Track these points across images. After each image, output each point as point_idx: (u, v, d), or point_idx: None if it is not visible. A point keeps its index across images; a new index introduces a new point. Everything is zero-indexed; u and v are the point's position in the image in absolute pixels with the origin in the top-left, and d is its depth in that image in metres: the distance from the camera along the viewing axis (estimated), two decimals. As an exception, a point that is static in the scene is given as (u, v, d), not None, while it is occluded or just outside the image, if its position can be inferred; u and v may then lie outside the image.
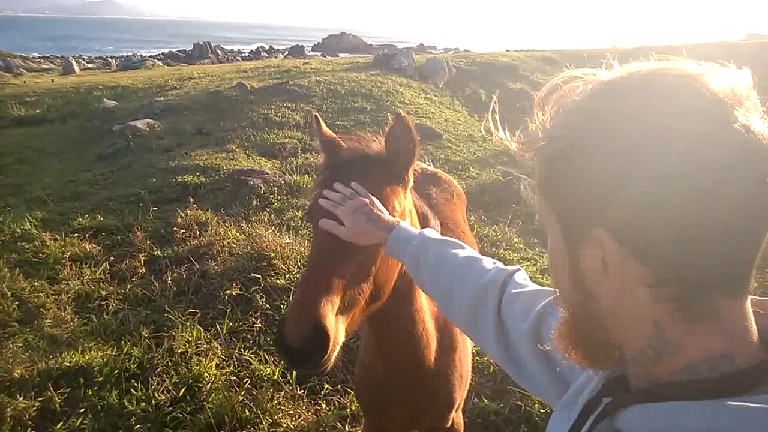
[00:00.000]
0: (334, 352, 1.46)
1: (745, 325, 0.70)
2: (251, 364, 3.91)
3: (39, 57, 41.05)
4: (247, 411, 3.41)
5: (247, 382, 3.71)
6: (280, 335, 1.42)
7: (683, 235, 0.64)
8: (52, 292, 4.68)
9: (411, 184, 1.82)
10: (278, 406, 3.49)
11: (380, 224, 1.51)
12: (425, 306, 1.95)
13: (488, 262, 1.38)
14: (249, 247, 5.36)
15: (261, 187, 7.09)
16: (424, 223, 2.00)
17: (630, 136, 0.65)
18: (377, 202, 1.58)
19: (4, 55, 30.42)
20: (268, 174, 7.55)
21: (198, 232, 5.85)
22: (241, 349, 4.04)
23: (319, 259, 1.55)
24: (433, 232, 1.52)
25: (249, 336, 4.23)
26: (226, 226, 5.97)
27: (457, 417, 2.38)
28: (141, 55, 40.43)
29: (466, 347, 2.23)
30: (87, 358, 3.73)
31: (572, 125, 0.71)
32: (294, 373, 3.78)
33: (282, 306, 4.54)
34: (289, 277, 4.89)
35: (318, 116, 1.88)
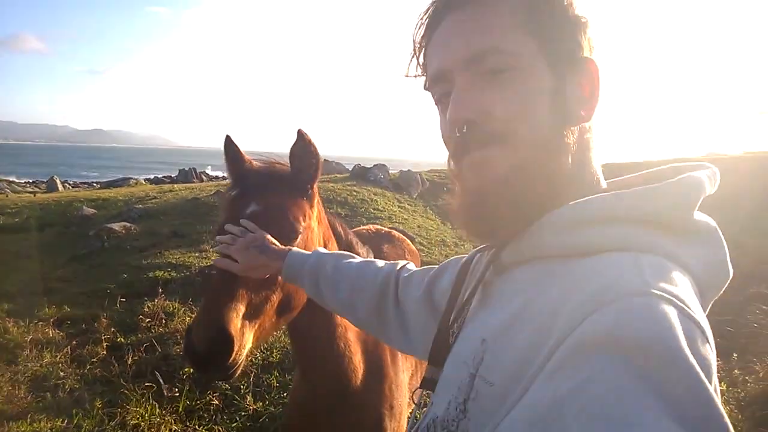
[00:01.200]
0: (240, 356, 1.49)
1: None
2: (206, 440, 3.83)
3: (24, 182, 41.80)
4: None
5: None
6: (187, 342, 1.45)
7: None
8: (9, 373, 4.60)
9: (317, 197, 1.87)
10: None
11: (273, 255, 1.50)
12: (346, 322, 1.93)
13: (380, 263, 1.43)
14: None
15: (231, 281, 7.16)
16: (343, 245, 2.06)
17: None
18: (269, 236, 1.57)
19: (-12, 179, 31.05)
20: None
21: (164, 321, 5.85)
22: (196, 425, 3.96)
23: (224, 269, 1.56)
24: (324, 250, 1.56)
25: (205, 414, 4.16)
26: (193, 315, 5.97)
27: None
28: (126, 177, 41.24)
29: (398, 381, 2.19)
30: (35, 427, 3.64)
31: None
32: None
33: (242, 386, 4.50)
34: (252, 360, 4.87)
35: (229, 136, 1.87)
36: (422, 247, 10.70)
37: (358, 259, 1.46)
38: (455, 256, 1.27)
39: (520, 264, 0.82)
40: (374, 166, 17.57)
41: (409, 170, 17.96)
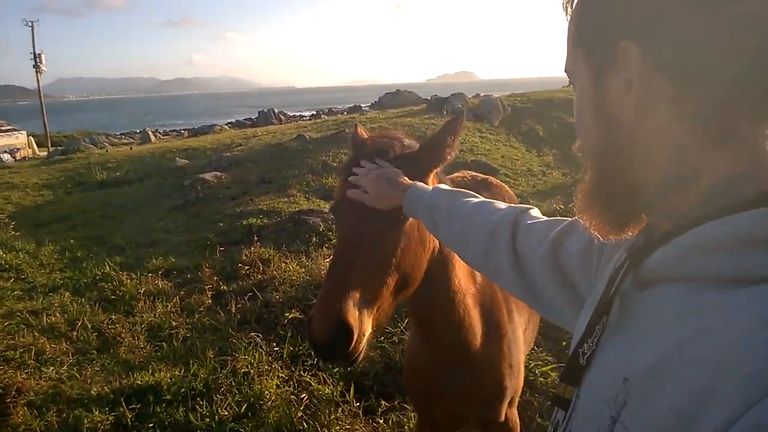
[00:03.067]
0: (361, 343, 1.51)
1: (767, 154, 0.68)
2: (310, 384, 3.99)
3: (120, 134, 44.42)
4: (305, 424, 3.48)
5: (306, 399, 3.79)
6: (309, 332, 1.50)
7: (708, 51, 0.65)
8: (128, 324, 5.01)
9: (432, 180, 1.82)
10: (336, 422, 3.54)
11: (400, 187, 1.54)
12: (464, 288, 1.94)
13: (502, 204, 1.39)
14: (308, 277, 5.54)
15: (320, 225, 7.33)
16: None
17: None
18: (400, 172, 1.62)
19: (90, 134, 33.44)
20: (326, 213, 7.80)
21: (261, 268, 6.09)
22: (301, 371, 4.14)
23: (341, 255, 1.60)
24: (446, 186, 1.56)
25: (308, 359, 4.33)
26: (288, 262, 6.19)
27: (511, 413, 2.29)
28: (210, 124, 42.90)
29: (516, 338, 2.19)
30: (156, 378, 3.94)
31: None
32: (351, 392, 3.83)
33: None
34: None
35: (358, 124, 2.01)
36: (507, 178, 10.45)
37: (477, 198, 1.44)
38: (563, 218, 1.19)
39: (666, 282, 0.71)
40: (451, 95, 17.11)
41: (488, 96, 17.36)
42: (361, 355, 1.54)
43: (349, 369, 3.95)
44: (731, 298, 0.61)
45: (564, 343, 4.39)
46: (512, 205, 1.39)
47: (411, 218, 1.62)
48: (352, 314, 1.46)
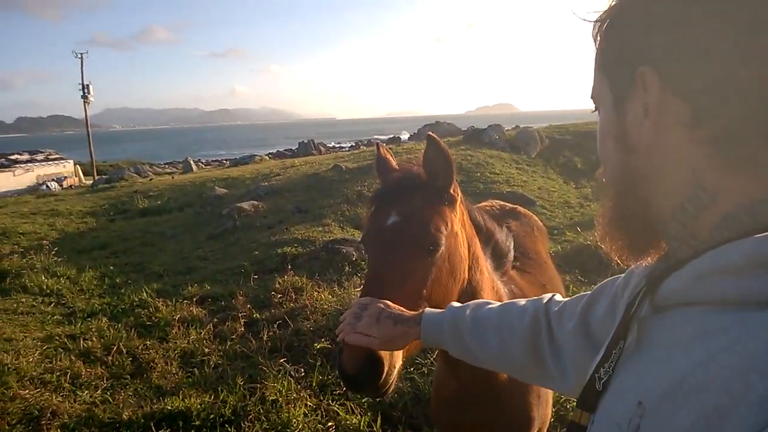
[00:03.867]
0: (391, 376, 1.49)
1: None
2: (338, 414, 3.96)
3: (164, 164, 45.83)
4: (332, 453, 3.45)
5: (333, 428, 3.77)
6: (339, 364, 1.46)
7: (724, 73, 0.66)
8: (162, 350, 5.08)
9: (459, 198, 1.80)
10: (363, 452, 3.50)
11: (409, 322, 1.43)
12: None
13: (521, 301, 1.37)
14: (340, 306, 5.55)
15: (353, 255, 7.36)
16: (486, 238, 2.03)
17: None
18: (388, 302, 1.49)
19: (135, 163, 34.62)
20: (359, 243, 7.83)
21: (294, 296, 6.13)
22: (329, 400, 4.12)
23: (371, 287, 1.57)
24: (456, 304, 1.46)
25: (336, 389, 4.31)
26: (320, 290, 6.22)
27: None
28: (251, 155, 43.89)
29: None
30: (186, 403, 3.97)
31: None
32: (379, 422, 3.79)
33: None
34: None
35: (380, 143, 1.98)
36: (544, 210, 10.34)
37: (495, 305, 1.40)
38: (610, 278, 1.16)
39: (682, 306, 0.71)
40: (489, 126, 17.12)
41: (526, 128, 17.31)
42: (391, 387, 1.51)
43: (378, 399, 3.89)
44: (746, 320, 0.60)
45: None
46: (531, 299, 1.38)
47: (441, 249, 1.62)
48: None
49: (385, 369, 1.44)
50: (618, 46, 0.78)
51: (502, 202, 3.37)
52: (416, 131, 35.67)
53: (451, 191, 1.75)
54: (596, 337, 1.12)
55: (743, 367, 0.56)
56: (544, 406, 2.14)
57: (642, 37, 0.73)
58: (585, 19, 0.83)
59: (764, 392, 0.52)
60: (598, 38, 0.82)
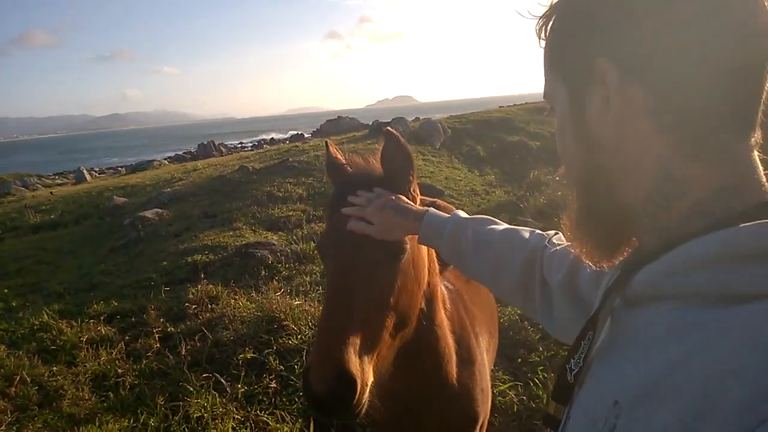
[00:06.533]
0: (364, 395, 1.41)
1: (753, 165, 0.67)
2: (268, 424, 3.89)
3: (54, 175, 42.65)
4: (266, 466, 3.38)
5: (264, 440, 3.69)
6: (306, 385, 1.37)
7: (683, 57, 0.65)
8: (70, 375, 4.74)
9: (418, 197, 1.76)
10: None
11: (410, 215, 1.47)
12: (445, 320, 1.91)
13: (526, 232, 1.37)
14: (260, 313, 5.43)
15: (269, 258, 7.22)
16: None
17: None
18: (403, 197, 1.55)
19: (21, 176, 31.97)
20: (275, 245, 7.69)
21: (210, 306, 5.92)
22: (258, 411, 4.03)
23: (335, 298, 1.49)
24: (463, 213, 1.49)
25: (264, 398, 4.22)
26: (237, 298, 6.05)
27: None
28: (149, 159, 41.71)
29: (483, 362, 2.17)
30: (104, 430, 3.74)
31: None
32: (311, 428, 3.75)
33: (296, 366, 4.54)
34: (301, 338, 4.91)
35: (329, 142, 1.89)
36: (452, 199, 10.61)
37: (501, 226, 1.40)
38: None
39: (655, 300, 0.69)
40: (393, 119, 17.37)
41: (428, 119, 17.70)
42: (364, 408, 1.43)
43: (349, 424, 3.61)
44: (721, 317, 0.59)
45: (519, 360, 4.45)
46: (537, 231, 1.38)
47: (406, 254, 1.56)
48: (354, 363, 1.36)
49: (358, 387, 1.36)
50: (568, 41, 0.77)
51: (422, 196, 3.41)
52: (318, 126, 35.44)
53: (412, 190, 1.70)
54: (581, 297, 1.12)
55: (720, 370, 0.53)
56: (486, 399, 2.14)
57: (593, 29, 0.72)
58: (526, 16, 0.82)
59: (742, 398, 0.50)
60: (543, 35, 0.81)
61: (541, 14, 0.81)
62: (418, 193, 1.77)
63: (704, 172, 0.67)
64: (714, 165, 0.67)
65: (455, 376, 1.94)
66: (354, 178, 1.72)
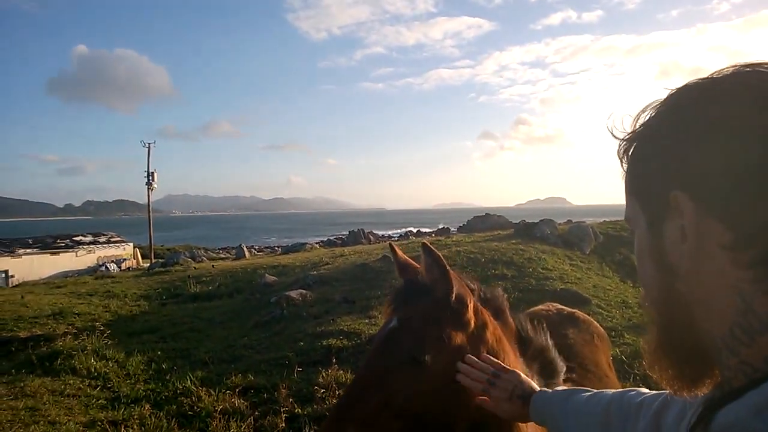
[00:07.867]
0: None
1: None
2: None
3: (219, 249, 47.11)
4: None
5: None
6: None
7: (762, 189, 0.63)
8: (201, 443, 4.93)
9: (468, 309, 1.61)
10: None
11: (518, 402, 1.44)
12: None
13: (608, 393, 1.32)
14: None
15: (400, 349, 7.16)
16: (534, 353, 1.83)
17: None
18: (522, 375, 1.51)
19: (191, 247, 35.81)
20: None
21: (338, 392, 5.94)
22: None
23: (351, 387, 1.54)
24: (563, 388, 1.48)
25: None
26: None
27: None
28: (302, 242, 44.56)
29: None
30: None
31: (646, 121, 0.78)
32: None
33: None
34: None
35: (393, 244, 1.92)
36: (600, 310, 9.90)
37: (595, 399, 1.32)
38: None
39: None
40: (540, 221, 16.94)
41: (579, 223, 17.04)
42: None
43: None
44: None
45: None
46: (618, 390, 1.31)
47: (428, 362, 1.49)
48: None
49: None
50: (646, 170, 0.77)
51: (559, 306, 3.18)
52: (465, 222, 35.62)
53: (454, 302, 1.59)
54: None
55: None
56: None
57: (670, 161, 0.72)
58: (614, 137, 0.83)
59: None
60: (625, 159, 0.82)
61: (622, 137, 0.81)
62: (471, 304, 1.63)
63: None
64: None
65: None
66: (408, 282, 1.72)
